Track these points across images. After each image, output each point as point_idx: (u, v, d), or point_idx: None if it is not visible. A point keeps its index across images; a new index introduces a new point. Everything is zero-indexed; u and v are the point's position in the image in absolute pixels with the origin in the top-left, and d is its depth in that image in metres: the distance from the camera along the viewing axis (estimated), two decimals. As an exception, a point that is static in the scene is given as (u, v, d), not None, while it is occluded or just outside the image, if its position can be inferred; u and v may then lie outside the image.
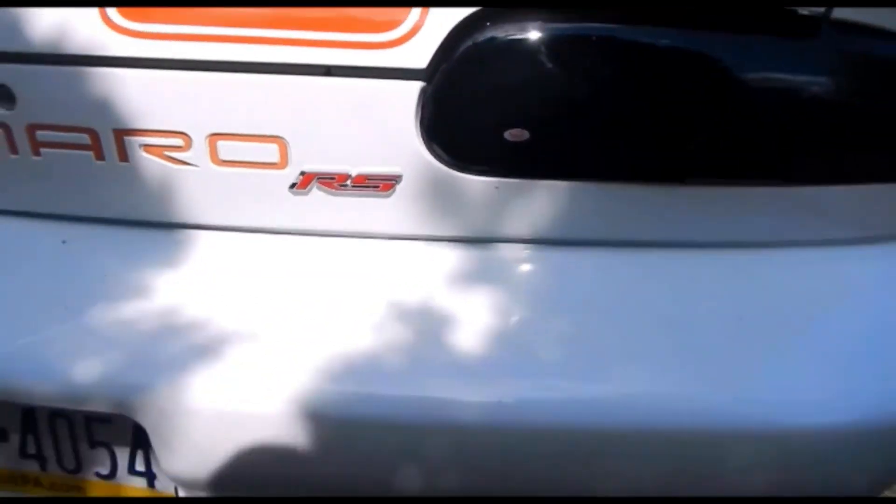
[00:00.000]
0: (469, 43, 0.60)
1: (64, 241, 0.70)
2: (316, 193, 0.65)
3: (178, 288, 0.67)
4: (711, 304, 0.63)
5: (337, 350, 0.61)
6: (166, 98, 0.63)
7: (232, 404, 0.60)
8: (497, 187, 0.64)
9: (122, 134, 0.65)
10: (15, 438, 0.72)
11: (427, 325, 0.62)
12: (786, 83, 0.62)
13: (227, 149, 0.64)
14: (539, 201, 0.64)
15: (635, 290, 0.64)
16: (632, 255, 0.66)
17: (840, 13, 0.61)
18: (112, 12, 0.61)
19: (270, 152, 0.64)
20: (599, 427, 0.58)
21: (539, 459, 0.58)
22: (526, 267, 0.66)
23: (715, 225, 0.65)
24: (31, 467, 0.73)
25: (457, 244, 0.67)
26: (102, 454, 0.71)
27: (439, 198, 0.65)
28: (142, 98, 0.63)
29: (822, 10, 0.60)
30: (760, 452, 0.59)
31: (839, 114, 0.62)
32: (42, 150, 0.67)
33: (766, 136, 0.62)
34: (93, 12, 0.61)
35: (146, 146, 0.65)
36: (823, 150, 0.63)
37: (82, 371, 0.62)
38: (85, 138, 0.66)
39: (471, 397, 0.58)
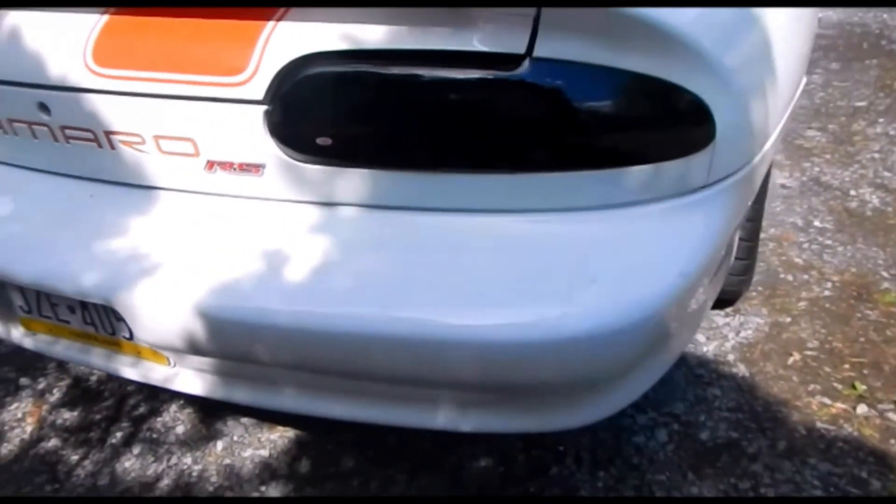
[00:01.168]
0: (289, 81, 0.92)
1: (91, 195, 1.14)
2: (218, 172, 1.02)
3: (142, 224, 1.07)
4: (456, 250, 0.94)
5: (218, 271, 0.98)
6: (129, 114, 1.02)
7: (164, 302, 1.01)
8: (323, 172, 0.97)
9: (109, 133, 1.05)
10: (80, 314, 1.19)
11: (275, 256, 0.98)
12: (494, 103, 0.88)
13: (165, 144, 1.03)
14: (346, 180, 0.97)
15: (409, 238, 0.96)
16: (403, 215, 0.97)
17: (540, 50, 0.86)
18: (89, 59, 1.00)
19: (189, 147, 1.01)
20: (365, 331, 0.91)
21: (327, 347, 0.94)
22: (342, 221, 1.00)
23: (456, 196, 0.95)
24: (90, 330, 1.20)
25: (302, 204, 1.02)
26: (124, 325, 1.16)
27: (289, 177, 0.99)
28: (115, 113, 1.03)
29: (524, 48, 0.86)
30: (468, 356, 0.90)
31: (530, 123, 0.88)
32: (70, 140, 1.09)
33: (478, 140, 0.90)
34: (78, 61, 1.00)
35: (122, 141, 1.05)
36: (519, 149, 0.90)
37: (85, 278, 1.05)
38: (91, 135, 1.07)
39: (287, 307, 0.94)
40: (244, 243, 1.00)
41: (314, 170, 0.97)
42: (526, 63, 0.87)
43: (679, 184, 0.96)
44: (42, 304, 1.19)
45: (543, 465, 1.47)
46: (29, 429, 1.67)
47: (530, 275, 0.92)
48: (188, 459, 1.54)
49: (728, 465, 1.44)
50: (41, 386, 1.81)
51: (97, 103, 1.03)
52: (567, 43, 0.85)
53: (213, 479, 1.50)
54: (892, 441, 1.45)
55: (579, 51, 0.86)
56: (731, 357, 1.70)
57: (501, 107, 0.89)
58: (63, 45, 1.03)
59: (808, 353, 1.70)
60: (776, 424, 1.52)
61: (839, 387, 1.60)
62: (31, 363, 1.85)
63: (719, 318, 1.83)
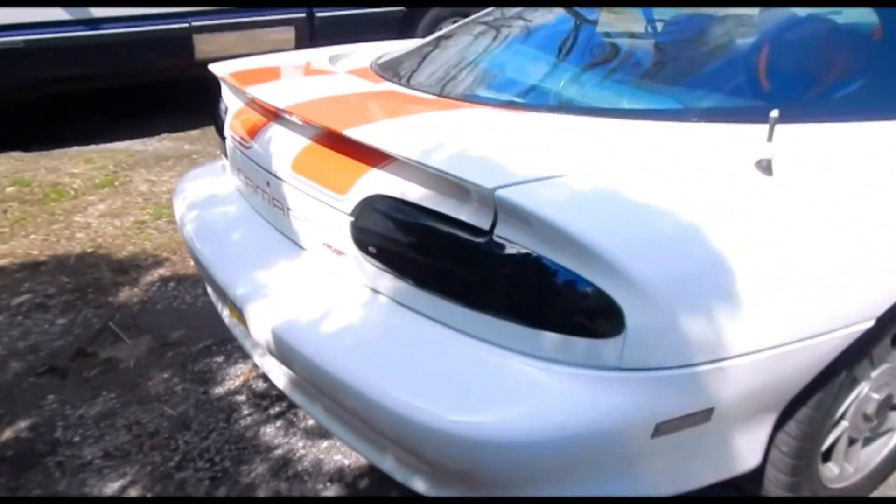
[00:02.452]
0: (364, 206, 1.44)
1: (278, 242, 1.78)
2: (327, 248, 1.58)
3: (284, 268, 1.67)
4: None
5: (295, 309, 1.53)
6: (298, 200, 1.64)
7: (259, 321, 1.57)
8: (372, 268, 1.46)
9: (288, 209, 1.68)
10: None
11: (329, 312, 1.49)
12: (465, 256, 1.28)
13: (309, 224, 1.62)
14: (382, 278, 1.44)
15: (405, 333, 1.39)
16: (410, 314, 1.40)
17: (498, 231, 1.25)
18: (290, 165, 1.64)
19: (319, 230, 1.59)
20: (350, 384, 1.36)
21: (324, 378, 1.41)
22: (376, 304, 1.47)
23: (438, 311, 1.35)
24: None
25: (361, 285, 1.51)
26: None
27: (356, 265, 1.50)
28: (293, 198, 1.65)
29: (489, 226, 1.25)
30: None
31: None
32: (274, 206, 1.75)
33: (456, 278, 1.31)
34: (287, 164, 1.65)
35: (293, 215, 1.67)
36: (476, 292, 1.28)
37: (239, 290, 1.66)
38: (281, 206, 1.71)
39: (312, 346, 1.43)
40: (320, 297, 1.53)
41: (368, 266, 1.46)
42: (486, 237, 1.26)
43: (588, 358, 1.24)
44: (235, 299, 1.86)
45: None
46: (237, 383, 2.41)
47: (458, 384, 1.28)
48: (300, 444, 2.11)
49: None
50: (260, 361, 2.55)
51: (286, 190, 1.66)
52: (515, 232, 1.23)
53: (304, 467, 2.03)
54: None
55: (524, 240, 1.22)
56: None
57: (468, 260, 1.29)
58: (285, 154, 1.68)
59: None
60: None
61: None
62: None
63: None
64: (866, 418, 1.74)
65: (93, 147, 4.72)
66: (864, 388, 1.69)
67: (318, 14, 5.10)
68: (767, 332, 1.32)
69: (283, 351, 1.49)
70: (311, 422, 2.21)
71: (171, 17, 4.65)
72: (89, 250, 3.35)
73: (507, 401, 1.23)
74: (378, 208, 1.41)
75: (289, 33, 4.99)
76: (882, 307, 1.45)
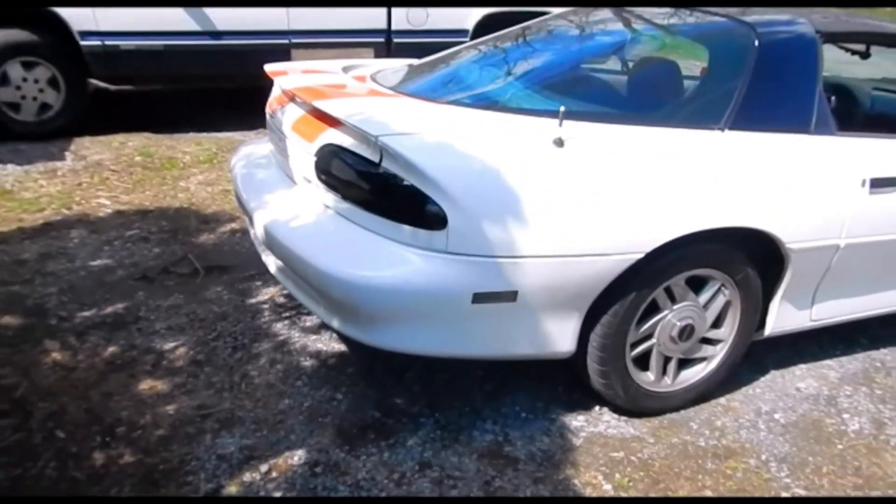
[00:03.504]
0: (321, 151, 2.31)
1: (286, 183, 2.69)
2: (304, 181, 2.47)
3: (282, 194, 2.57)
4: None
5: (279, 214, 2.42)
6: (291, 150, 2.54)
7: (258, 222, 2.46)
8: (325, 190, 2.33)
9: (287, 157, 2.59)
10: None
11: (299, 217, 2.37)
12: (366, 179, 2.13)
13: (299, 166, 2.52)
14: (330, 198, 2.31)
15: (343, 229, 2.25)
16: (344, 220, 2.26)
17: (384, 164, 2.09)
18: (291, 126, 2.55)
19: (301, 169, 2.48)
20: (294, 252, 2.23)
21: (287, 255, 2.29)
22: (329, 216, 2.34)
23: (361, 218, 2.20)
24: (267, 238, 2.74)
25: (322, 204, 2.39)
26: (272, 238, 2.67)
27: (318, 189, 2.37)
28: (290, 149, 2.56)
29: (378, 160, 2.10)
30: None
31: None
32: (281, 154, 2.67)
33: (363, 192, 2.16)
34: (289, 127, 2.56)
35: (290, 160, 2.58)
36: (375, 201, 2.12)
37: (252, 203, 2.58)
38: (285, 154, 2.62)
39: (285, 234, 2.31)
40: (296, 209, 2.40)
41: (322, 189, 2.33)
42: (378, 168, 2.10)
43: (428, 243, 2.04)
44: (258, 220, 2.79)
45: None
46: (265, 297, 3.34)
47: (358, 255, 2.12)
48: (296, 335, 3.00)
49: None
50: (288, 287, 3.47)
51: (288, 143, 2.56)
52: (392, 165, 2.06)
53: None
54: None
55: (397, 169, 2.05)
56: (582, 432, 2.44)
57: (369, 183, 2.13)
58: (289, 121, 2.58)
59: (633, 458, 2.34)
60: (545, 469, 2.28)
61: (617, 476, 2.25)
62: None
63: (611, 417, 2.54)
64: (672, 340, 2.43)
65: (204, 134, 5.88)
66: (667, 315, 2.39)
67: (395, 40, 6.14)
68: (550, 244, 2.06)
69: (269, 238, 2.38)
70: (307, 323, 3.09)
71: (274, 34, 5.79)
72: (185, 206, 4.41)
73: (382, 266, 2.05)
74: (329, 151, 2.27)
75: (369, 52, 6.02)
76: (651, 245, 2.16)
